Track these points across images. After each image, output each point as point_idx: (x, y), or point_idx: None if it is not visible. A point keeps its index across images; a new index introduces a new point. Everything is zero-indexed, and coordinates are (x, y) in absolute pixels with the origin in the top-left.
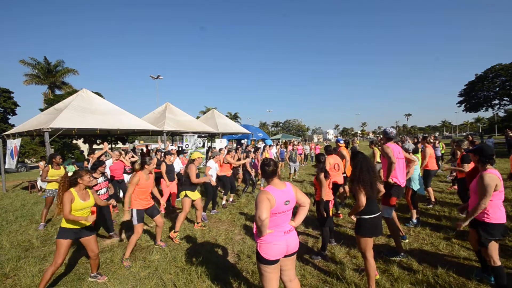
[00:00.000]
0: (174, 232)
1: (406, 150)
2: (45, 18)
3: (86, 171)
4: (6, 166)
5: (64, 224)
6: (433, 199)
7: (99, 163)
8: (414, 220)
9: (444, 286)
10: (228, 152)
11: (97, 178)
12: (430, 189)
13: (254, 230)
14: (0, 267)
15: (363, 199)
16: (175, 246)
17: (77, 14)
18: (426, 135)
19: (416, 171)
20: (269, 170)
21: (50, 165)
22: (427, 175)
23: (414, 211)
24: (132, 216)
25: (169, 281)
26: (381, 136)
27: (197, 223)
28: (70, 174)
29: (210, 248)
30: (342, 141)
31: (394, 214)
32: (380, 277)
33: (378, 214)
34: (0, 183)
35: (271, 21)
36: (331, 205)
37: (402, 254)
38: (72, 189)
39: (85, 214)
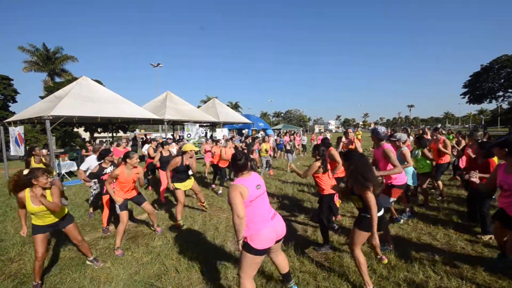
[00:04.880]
0: (178, 221)
1: (398, 141)
2: (46, 7)
3: (43, 171)
4: (13, 153)
5: (33, 221)
6: (439, 191)
7: (106, 151)
8: (408, 213)
9: (440, 274)
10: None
11: (106, 168)
12: (440, 182)
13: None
14: (6, 251)
15: (372, 198)
16: (177, 232)
17: (77, 4)
18: (437, 126)
19: (409, 164)
20: (240, 164)
21: (32, 158)
22: (440, 168)
23: (407, 205)
24: (115, 205)
25: (171, 266)
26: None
27: (202, 202)
28: (25, 172)
29: (211, 235)
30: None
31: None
32: (378, 265)
33: (381, 212)
34: (2, 170)
35: (272, 10)
36: (336, 198)
37: (386, 247)
38: (27, 191)
39: (47, 216)
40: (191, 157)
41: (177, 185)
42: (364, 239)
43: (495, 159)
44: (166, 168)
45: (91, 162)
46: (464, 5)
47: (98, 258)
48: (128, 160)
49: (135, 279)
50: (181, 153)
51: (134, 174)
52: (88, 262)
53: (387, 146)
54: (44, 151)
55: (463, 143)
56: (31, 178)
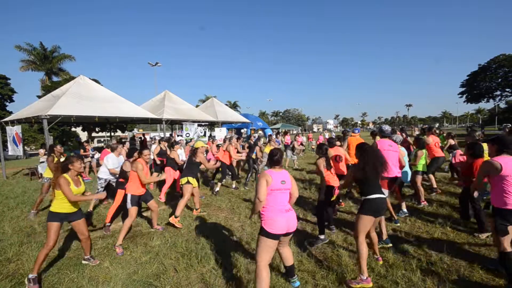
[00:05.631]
0: (175, 217)
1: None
2: (43, 6)
3: (78, 157)
4: (10, 153)
5: (53, 209)
6: (434, 186)
7: (134, 149)
8: (405, 210)
9: (437, 272)
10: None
11: None
12: (431, 176)
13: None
14: (3, 252)
15: (357, 173)
16: (175, 232)
17: (75, 3)
18: (432, 126)
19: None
20: (275, 159)
21: (53, 155)
22: (433, 162)
23: (403, 203)
24: (126, 200)
25: (169, 266)
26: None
27: (196, 209)
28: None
29: (210, 234)
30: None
31: (387, 200)
32: (376, 264)
33: (382, 195)
34: (0, 170)
35: (269, 10)
36: (336, 191)
37: (388, 240)
38: (66, 175)
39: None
40: (201, 153)
41: (190, 179)
42: (367, 223)
43: (486, 157)
44: (172, 165)
45: (112, 160)
46: (463, 5)
47: (95, 256)
48: (143, 155)
49: (134, 278)
50: (195, 150)
51: (147, 168)
52: (83, 262)
53: (378, 142)
54: (42, 151)
55: (452, 142)
56: (68, 163)
